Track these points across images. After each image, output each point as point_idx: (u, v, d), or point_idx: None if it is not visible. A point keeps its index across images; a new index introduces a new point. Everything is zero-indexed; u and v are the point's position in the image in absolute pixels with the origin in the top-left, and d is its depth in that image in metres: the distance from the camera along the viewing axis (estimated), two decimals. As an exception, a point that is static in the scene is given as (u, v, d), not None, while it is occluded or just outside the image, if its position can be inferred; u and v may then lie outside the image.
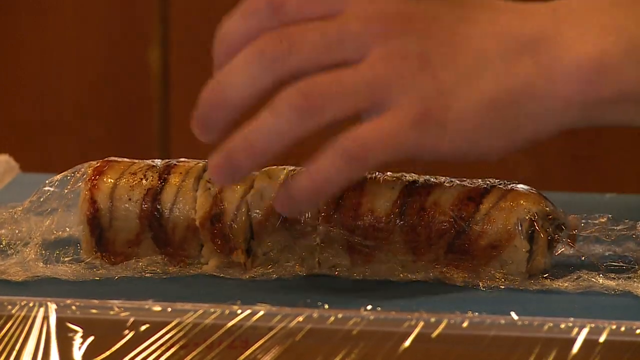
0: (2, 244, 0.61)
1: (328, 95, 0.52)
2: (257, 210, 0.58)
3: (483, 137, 0.54)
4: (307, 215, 0.58)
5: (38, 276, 0.57)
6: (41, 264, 0.59)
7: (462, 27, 0.54)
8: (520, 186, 0.59)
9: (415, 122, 0.52)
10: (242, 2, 0.55)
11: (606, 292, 0.56)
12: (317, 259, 0.58)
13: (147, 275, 0.58)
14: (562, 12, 0.55)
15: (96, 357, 0.50)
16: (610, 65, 0.54)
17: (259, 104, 0.54)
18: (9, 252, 0.60)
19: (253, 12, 0.54)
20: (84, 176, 0.60)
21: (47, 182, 0.61)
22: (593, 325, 0.50)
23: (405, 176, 0.59)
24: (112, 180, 0.59)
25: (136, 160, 0.61)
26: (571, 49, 0.54)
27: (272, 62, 0.52)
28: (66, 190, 0.61)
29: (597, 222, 0.60)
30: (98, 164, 0.60)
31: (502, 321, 0.50)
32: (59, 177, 0.61)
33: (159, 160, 0.61)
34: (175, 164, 0.60)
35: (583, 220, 0.60)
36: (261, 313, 0.51)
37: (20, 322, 0.51)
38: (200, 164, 0.60)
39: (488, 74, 0.53)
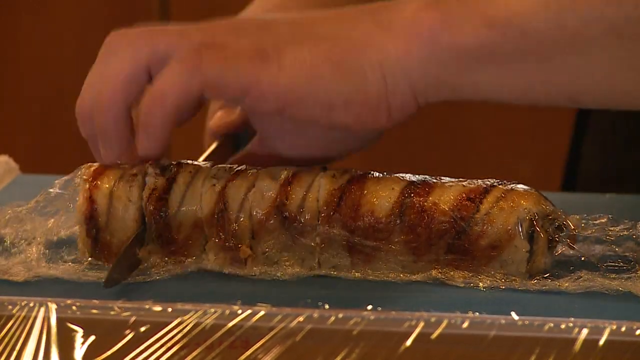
0: (6, 243, 0.61)
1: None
2: (258, 210, 0.58)
3: (322, 80, 0.55)
4: (306, 216, 0.58)
5: (39, 276, 0.58)
6: (44, 264, 0.59)
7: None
8: (520, 186, 0.59)
9: (190, 59, 0.55)
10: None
11: (606, 292, 0.56)
12: (317, 259, 0.58)
13: (149, 274, 0.58)
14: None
15: (97, 357, 0.50)
16: (444, 22, 0.55)
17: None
18: (12, 250, 0.61)
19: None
20: (84, 176, 0.60)
21: (56, 182, 0.61)
22: (593, 325, 0.50)
23: (405, 176, 0.59)
24: (112, 181, 0.59)
25: (136, 164, 0.61)
26: (407, 9, 0.55)
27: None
28: (66, 191, 0.61)
29: (597, 222, 0.60)
30: (98, 165, 0.60)
31: (503, 321, 0.50)
32: (66, 177, 0.61)
33: (163, 159, 0.61)
34: (182, 164, 0.60)
35: (583, 221, 0.60)
36: (262, 313, 0.51)
37: (21, 322, 0.51)
38: (208, 164, 0.60)
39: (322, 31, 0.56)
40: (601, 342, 0.49)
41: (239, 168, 0.60)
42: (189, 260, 0.59)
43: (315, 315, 0.51)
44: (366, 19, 0.56)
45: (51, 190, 0.61)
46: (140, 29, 0.58)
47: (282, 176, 0.59)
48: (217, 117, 0.70)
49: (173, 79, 0.55)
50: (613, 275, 0.57)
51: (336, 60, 0.55)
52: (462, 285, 0.57)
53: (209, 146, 0.70)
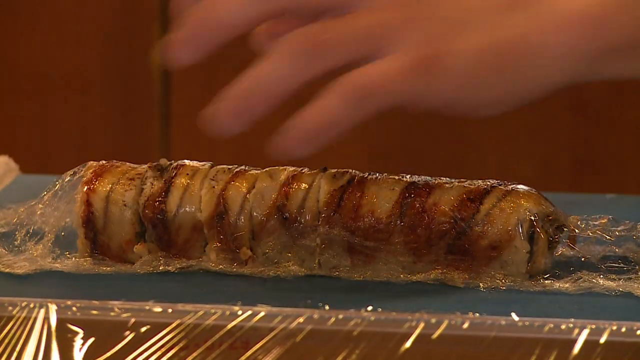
0: (16, 241, 0.61)
1: (331, 40, 0.53)
2: (258, 211, 0.58)
3: (478, 87, 0.54)
4: (307, 216, 0.58)
5: (41, 269, 0.58)
6: (49, 259, 0.59)
7: None
8: (520, 186, 0.59)
9: (413, 68, 0.52)
10: None
11: (607, 292, 0.56)
12: (317, 260, 0.58)
13: (148, 274, 0.59)
14: None
15: (97, 358, 0.50)
16: (605, 16, 0.53)
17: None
18: (21, 248, 0.61)
19: None
20: (83, 178, 0.60)
21: (64, 177, 0.62)
22: (594, 326, 0.50)
23: (405, 177, 0.59)
24: (109, 184, 0.59)
25: (136, 165, 0.61)
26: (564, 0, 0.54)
27: None
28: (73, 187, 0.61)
29: (597, 222, 0.60)
30: (97, 167, 0.60)
31: (503, 322, 0.50)
32: (70, 172, 0.61)
33: (162, 160, 0.61)
34: (180, 165, 0.60)
35: (583, 221, 0.60)
36: (262, 314, 0.51)
37: (21, 323, 0.51)
38: (206, 165, 0.60)
39: (481, 26, 0.53)
40: (601, 343, 0.49)
41: (238, 169, 0.60)
42: (190, 261, 0.59)
43: (316, 316, 0.51)
44: (519, 8, 0.54)
45: (57, 187, 0.61)
46: None
47: (282, 177, 0.59)
48: None
49: (393, 78, 0.52)
50: (613, 276, 0.57)
51: (491, 66, 0.53)
52: (463, 286, 0.57)
53: None
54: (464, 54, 0.53)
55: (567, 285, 0.57)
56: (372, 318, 0.51)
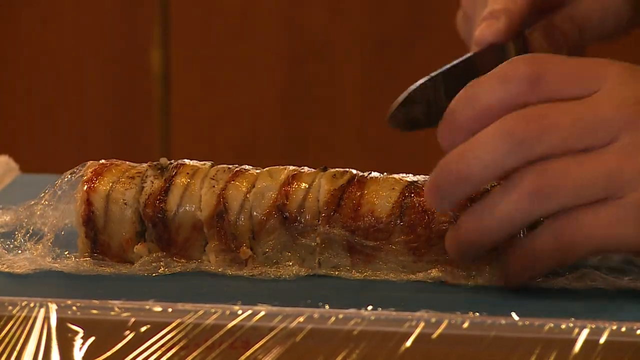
0: (16, 241, 0.61)
1: (564, 186, 0.51)
2: (258, 210, 0.58)
3: None
4: (307, 216, 0.58)
5: (41, 269, 0.58)
6: (49, 259, 0.59)
7: None
8: None
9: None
10: (499, 70, 0.53)
11: (607, 292, 0.56)
12: (317, 259, 0.58)
13: (149, 274, 0.59)
14: None
15: (97, 357, 0.50)
16: None
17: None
18: (21, 248, 0.61)
19: (510, 80, 0.52)
20: (83, 177, 0.60)
21: (63, 177, 0.62)
22: (594, 325, 0.49)
23: (406, 176, 0.59)
24: (109, 183, 0.59)
25: (136, 164, 0.61)
26: None
27: (520, 145, 0.51)
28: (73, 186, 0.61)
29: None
30: (97, 166, 0.60)
31: (503, 321, 0.50)
32: (70, 171, 0.62)
33: (162, 160, 0.61)
34: (180, 164, 0.60)
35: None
36: (262, 313, 0.51)
37: (21, 322, 0.51)
38: (207, 165, 0.60)
39: None
40: (601, 342, 0.49)
41: (238, 169, 0.60)
42: (190, 262, 0.59)
43: (316, 315, 0.50)
44: None
45: (57, 188, 0.61)
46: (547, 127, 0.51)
47: (282, 176, 0.59)
48: (485, 25, 0.65)
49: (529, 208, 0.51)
50: (614, 276, 0.57)
51: None
52: (463, 284, 0.57)
53: None
54: None
55: (567, 284, 0.57)
56: (372, 317, 0.50)
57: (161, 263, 0.59)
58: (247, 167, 0.60)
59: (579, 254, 0.53)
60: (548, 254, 0.52)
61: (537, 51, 0.66)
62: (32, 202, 0.63)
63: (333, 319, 0.50)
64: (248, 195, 0.58)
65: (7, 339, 0.50)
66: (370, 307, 0.51)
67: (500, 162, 0.51)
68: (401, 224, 0.57)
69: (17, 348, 0.50)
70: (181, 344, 0.50)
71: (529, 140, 0.51)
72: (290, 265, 0.58)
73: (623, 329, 0.49)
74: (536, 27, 0.68)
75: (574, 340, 0.49)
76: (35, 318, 0.51)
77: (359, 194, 0.58)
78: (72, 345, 0.50)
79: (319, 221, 0.58)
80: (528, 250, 0.53)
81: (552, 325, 0.50)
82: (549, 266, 0.54)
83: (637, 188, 0.50)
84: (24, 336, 0.50)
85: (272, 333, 0.50)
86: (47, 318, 0.51)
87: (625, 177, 0.51)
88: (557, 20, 0.68)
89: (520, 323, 0.50)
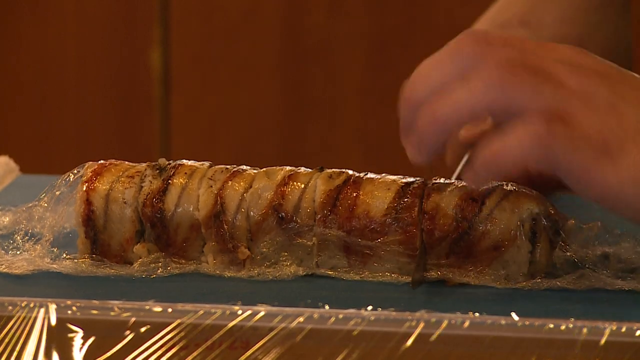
0: (15, 242, 0.61)
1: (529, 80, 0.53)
2: (255, 210, 0.58)
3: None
4: (303, 216, 0.58)
5: (40, 269, 0.58)
6: (47, 260, 0.59)
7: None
8: (521, 187, 0.58)
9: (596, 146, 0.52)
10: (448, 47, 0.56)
11: (607, 293, 0.56)
12: (315, 260, 0.58)
13: (148, 275, 0.59)
14: None
15: (97, 358, 0.50)
16: None
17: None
18: (21, 248, 0.61)
19: (459, 54, 0.55)
20: (82, 177, 0.60)
21: (62, 179, 0.62)
22: (593, 326, 0.49)
23: (402, 178, 0.59)
24: (109, 183, 0.59)
25: (135, 164, 0.61)
26: None
27: (492, 87, 0.53)
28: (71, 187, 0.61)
29: (598, 223, 0.60)
30: (97, 166, 0.60)
31: (503, 322, 0.50)
32: (68, 173, 0.62)
33: (160, 160, 0.61)
34: (179, 165, 0.60)
35: (583, 222, 0.60)
36: (262, 314, 0.51)
37: (21, 322, 0.51)
38: (205, 165, 0.60)
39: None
40: (601, 343, 0.49)
41: (236, 169, 0.60)
42: (188, 263, 0.59)
43: (316, 315, 0.50)
44: None
45: (56, 189, 0.61)
46: (501, 49, 0.55)
47: (278, 177, 0.59)
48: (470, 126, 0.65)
49: (518, 144, 0.53)
50: (614, 276, 0.57)
51: None
52: (465, 284, 0.57)
53: (459, 158, 0.64)
54: None
55: (567, 285, 0.57)
56: (372, 318, 0.50)
57: (159, 264, 0.59)
58: (244, 167, 0.60)
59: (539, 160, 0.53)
60: (514, 151, 0.53)
61: None
62: (31, 204, 0.63)
63: (333, 319, 0.50)
64: (245, 195, 0.58)
65: (7, 339, 0.50)
66: (370, 308, 0.51)
67: (471, 100, 0.54)
68: (396, 224, 0.57)
69: (17, 348, 0.50)
70: (181, 344, 0.50)
71: (501, 85, 0.53)
72: (288, 265, 0.58)
73: (623, 329, 0.49)
74: None
75: (574, 341, 0.49)
76: (35, 318, 0.51)
77: (354, 194, 0.58)
78: (72, 346, 0.50)
79: (315, 221, 0.58)
80: (496, 145, 0.53)
81: (552, 325, 0.50)
82: (513, 166, 0.54)
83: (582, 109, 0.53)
84: (24, 336, 0.50)
85: (272, 333, 0.50)
86: (46, 318, 0.51)
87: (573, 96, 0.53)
88: None
89: (520, 323, 0.50)
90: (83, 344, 0.50)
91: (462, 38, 0.56)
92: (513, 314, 0.50)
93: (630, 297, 0.56)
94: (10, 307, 0.51)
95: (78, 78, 2.61)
